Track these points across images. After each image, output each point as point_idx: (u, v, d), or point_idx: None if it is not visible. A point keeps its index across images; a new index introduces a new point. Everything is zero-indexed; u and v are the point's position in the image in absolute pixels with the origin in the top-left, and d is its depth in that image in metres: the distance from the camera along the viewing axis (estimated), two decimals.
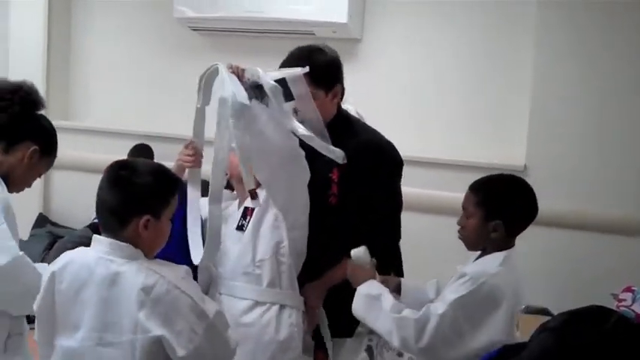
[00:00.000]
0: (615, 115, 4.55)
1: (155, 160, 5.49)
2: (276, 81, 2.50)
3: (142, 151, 5.48)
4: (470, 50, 5.00)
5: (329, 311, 2.82)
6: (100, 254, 2.07)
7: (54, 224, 5.79)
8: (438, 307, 2.32)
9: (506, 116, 4.93)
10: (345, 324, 2.78)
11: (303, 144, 2.64)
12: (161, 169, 2.19)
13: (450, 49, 5.06)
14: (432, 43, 5.11)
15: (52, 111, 5.81)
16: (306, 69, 2.61)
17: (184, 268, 2.13)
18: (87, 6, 6.07)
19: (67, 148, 5.90)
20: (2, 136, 2.55)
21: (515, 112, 4.85)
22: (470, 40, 5.00)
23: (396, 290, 2.67)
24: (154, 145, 5.52)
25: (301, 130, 2.52)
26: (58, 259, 2.17)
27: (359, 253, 2.56)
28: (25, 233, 2.83)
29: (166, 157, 5.51)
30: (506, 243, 2.47)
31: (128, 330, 1.98)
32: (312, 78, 2.64)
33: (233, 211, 2.90)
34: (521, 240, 4.64)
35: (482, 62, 4.98)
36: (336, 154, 2.57)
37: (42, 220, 5.81)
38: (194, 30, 5.54)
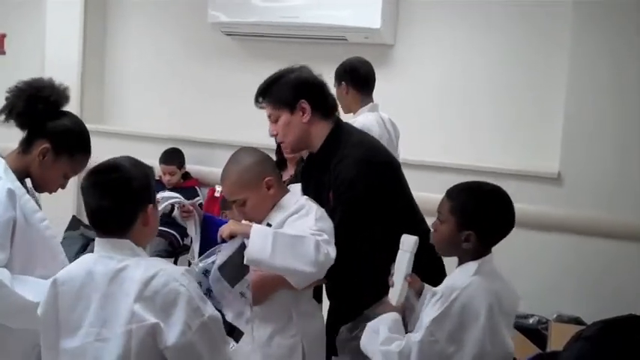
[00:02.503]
0: None
1: (186, 164, 5.57)
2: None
3: (173, 154, 5.53)
4: (503, 56, 4.97)
5: None
6: (100, 254, 2.10)
7: (87, 227, 5.85)
8: (417, 335, 2.25)
9: (540, 123, 4.88)
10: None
11: (309, 171, 2.84)
12: (136, 160, 2.20)
13: (483, 55, 5.03)
14: (464, 48, 5.09)
15: (87, 115, 5.89)
16: None
17: (184, 267, 2.15)
18: (122, 11, 6.14)
19: (100, 151, 5.98)
20: (25, 136, 2.53)
21: (549, 118, 4.80)
22: (503, 46, 4.97)
23: (420, 293, 2.64)
24: (185, 149, 5.57)
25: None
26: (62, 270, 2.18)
27: (410, 240, 2.46)
28: (58, 236, 2.88)
29: (197, 161, 5.61)
30: (480, 252, 2.36)
31: (124, 321, 1.98)
32: (271, 101, 2.76)
33: None
34: (553, 248, 4.64)
35: (515, 68, 4.94)
36: None
37: (75, 223, 5.87)
38: (227, 35, 5.58)
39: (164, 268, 2.05)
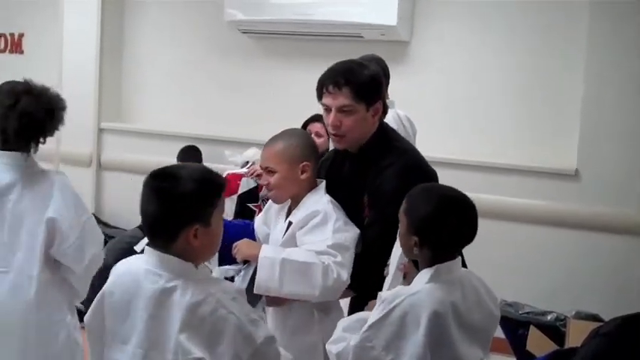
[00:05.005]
0: None
1: (204, 162, 5.58)
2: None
3: (190, 152, 5.54)
4: (520, 53, 4.94)
5: None
6: (150, 266, 2.00)
7: (105, 225, 5.89)
8: (354, 338, 2.14)
9: (557, 119, 4.85)
10: None
11: (337, 174, 2.77)
12: (204, 173, 2.06)
13: (500, 51, 5.00)
14: (481, 45, 5.06)
15: (104, 113, 5.94)
16: None
17: (236, 288, 2.06)
18: (139, 9, 6.17)
19: (118, 149, 6.05)
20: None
21: (567, 115, 4.77)
22: (520, 43, 4.94)
23: None
24: (202, 147, 5.58)
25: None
26: (112, 271, 2.12)
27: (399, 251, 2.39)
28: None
29: (214, 159, 5.62)
30: (436, 259, 2.17)
31: (170, 350, 1.90)
32: (354, 92, 2.59)
33: (280, 219, 2.85)
34: (571, 245, 4.62)
35: (532, 65, 4.91)
36: None
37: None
38: (244, 33, 5.59)
39: (213, 293, 1.94)
